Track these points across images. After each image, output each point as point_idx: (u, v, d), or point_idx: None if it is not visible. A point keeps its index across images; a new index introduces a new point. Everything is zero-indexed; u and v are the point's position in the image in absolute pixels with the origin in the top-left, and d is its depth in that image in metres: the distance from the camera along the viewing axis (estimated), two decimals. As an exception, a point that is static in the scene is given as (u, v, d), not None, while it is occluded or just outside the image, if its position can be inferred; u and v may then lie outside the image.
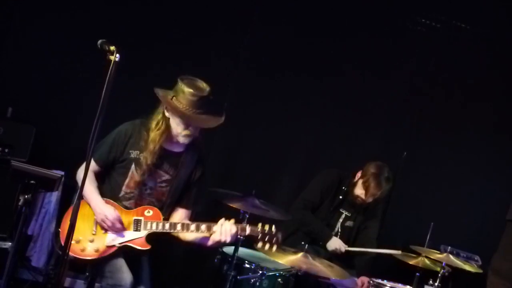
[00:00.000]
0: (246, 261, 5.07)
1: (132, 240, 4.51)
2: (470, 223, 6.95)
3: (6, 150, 5.60)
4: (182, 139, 4.51)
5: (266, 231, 4.42)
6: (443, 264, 5.11)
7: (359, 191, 5.83)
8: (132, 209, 4.57)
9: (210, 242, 4.50)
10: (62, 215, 4.69)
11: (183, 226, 4.49)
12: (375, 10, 6.90)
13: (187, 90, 4.38)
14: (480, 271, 5.48)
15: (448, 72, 7.04)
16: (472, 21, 6.96)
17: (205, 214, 6.53)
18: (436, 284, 5.10)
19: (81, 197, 3.80)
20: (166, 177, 4.61)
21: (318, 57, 6.81)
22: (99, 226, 4.52)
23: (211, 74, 4.73)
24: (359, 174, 5.87)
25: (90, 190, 4.52)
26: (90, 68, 4.96)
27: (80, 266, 4.77)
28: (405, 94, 7.02)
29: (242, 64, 6.64)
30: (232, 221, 4.45)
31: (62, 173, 5.37)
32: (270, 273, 5.03)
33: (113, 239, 4.50)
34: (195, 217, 4.80)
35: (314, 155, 6.80)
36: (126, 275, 4.43)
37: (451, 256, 5.21)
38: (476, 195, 6.99)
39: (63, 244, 4.35)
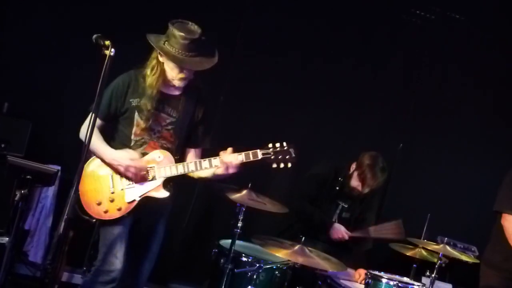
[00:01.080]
0: (243, 254, 5.07)
1: (150, 190, 4.49)
2: (467, 214, 6.97)
3: (3, 145, 5.59)
4: (177, 83, 4.51)
5: (278, 149, 4.42)
6: (440, 255, 5.10)
7: (355, 183, 5.83)
8: (146, 154, 4.53)
9: (219, 176, 4.53)
10: (59, 210, 4.68)
11: (196, 165, 4.48)
12: (371, 1, 6.89)
13: (178, 33, 4.35)
14: (477, 261, 5.49)
15: (443, 64, 7.05)
16: (466, 12, 6.96)
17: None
18: (433, 275, 5.09)
19: (87, 157, 3.78)
20: (170, 119, 4.59)
21: (314, 48, 6.81)
22: (116, 183, 4.50)
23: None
24: (354, 166, 5.88)
25: (100, 145, 4.49)
26: (86, 62, 4.95)
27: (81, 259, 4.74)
28: (400, 86, 7.03)
29: (236, 55, 6.63)
30: (230, 154, 4.44)
31: (59, 168, 5.38)
32: (267, 266, 5.03)
33: (132, 194, 4.47)
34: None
35: (309, 147, 6.79)
36: (119, 261, 4.42)
37: (448, 247, 5.20)
38: (472, 186, 7.00)
39: (85, 208, 4.41)
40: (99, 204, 4.44)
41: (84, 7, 6.23)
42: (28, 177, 4.69)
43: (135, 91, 4.53)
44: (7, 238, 5.50)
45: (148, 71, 4.51)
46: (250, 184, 4.90)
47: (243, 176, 4.55)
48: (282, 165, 4.42)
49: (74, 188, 3.78)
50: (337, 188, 5.92)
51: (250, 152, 4.44)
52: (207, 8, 6.46)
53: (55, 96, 6.23)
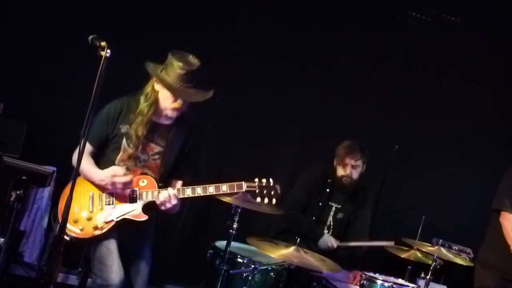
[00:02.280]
0: (239, 256, 5.07)
1: (128, 212, 4.50)
2: (462, 216, 6.98)
3: (-2, 146, 5.59)
4: (170, 113, 4.52)
5: (263, 185, 4.47)
6: (435, 257, 5.11)
7: (340, 172, 5.86)
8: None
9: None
10: (55, 211, 4.67)
11: (179, 192, 4.50)
12: (366, 3, 6.91)
13: (176, 63, 4.40)
14: (472, 264, 5.50)
15: (439, 65, 7.07)
16: (462, 14, 6.98)
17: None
18: (428, 277, 5.10)
19: (75, 178, 3.79)
20: (158, 149, 4.61)
21: (310, 50, 6.82)
22: (95, 202, 4.50)
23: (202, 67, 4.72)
24: (335, 160, 5.91)
25: (87, 167, 4.50)
26: (82, 64, 4.95)
27: (81, 246, 4.75)
28: (396, 88, 7.05)
29: (232, 57, 6.63)
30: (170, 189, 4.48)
31: (54, 168, 5.37)
32: (263, 267, 5.03)
33: (110, 214, 4.48)
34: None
35: (305, 149, 6.82)
36: (115, 275, 4.41)
37: (442, 249, 5.22)
38: (467, 188, 7.02)
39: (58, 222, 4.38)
40: (75, 222, 4.45)
41: (81, 8, 6.23)
42: (24, 178, 4.68)
43: (126, 117, 4.54)
44: (3, 239, 5.49)
45: (142, 98, 4.53)
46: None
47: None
48: (266, 200, 4.47)
49: (70, 189, 3.78)
50: (328, 190, 5.93)
51: (235, 184, 4.47)
52: (202, 14, 6.47)
53: (51, 97, 6.22)
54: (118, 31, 5.96)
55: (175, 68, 4.40)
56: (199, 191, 4.49)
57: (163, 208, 4.50)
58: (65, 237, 4.39)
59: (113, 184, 4.46)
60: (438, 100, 7.10)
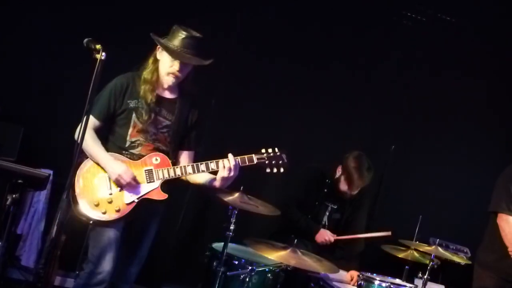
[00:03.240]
0: (236, 257, 5.07)
1: (148, 192, 4.53)
2: (459, 215, 6.99)
3: (-6, 150, 5.59)
4: (166, 79, 4.57)
5: (271, 155, 4.57)
6: (432, 257, 5.12)
7: (344, 187, 5.85)
8: (142, 156, 4.57)
9: (217, 182, 4.60)
10: (52, 214, 4.67)
11: (194, 168, 4.56)
12: (362, 3, 6.91)
13: (179, 31, 4.50)
14: (470, 262, 5.52)
15: (435, 65, 7.07)
16: (458, 14, 6.99)
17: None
18: (425, 276, 5.11)
19: (80, 156, 3.81)
20: (165, 122, 4.64)
21: (306, 49, 6.83)
22: (114, 184, 4.50)
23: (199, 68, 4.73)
24: (340, 169, 5.89)
25: (96, 149, 4.50)
26: (78, 66, 4.94)
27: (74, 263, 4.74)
28: (392, 88, 7.05)
29: (229, 58, 6.61)
30: (230, 158, 4.54)
31: (50, 172, 5.37)
32: (260, 269, 5.03)
33: (131, 195, 4.50)
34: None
35: (301, 149, 6.80)
36: (107, 263, 4.44)
37: (440, 249, 5.23)
38: (464, 187, 7.03)
39: (82, 209, 4.40)
40: (97, 205, 4.44)
41: (76, 11, 6.22)
42: (20, 181, 4.68)
43: (133, 92, 4.57)
44: (-1, 243, 5.51)
45: (145, 66, 4.60)
46: (242, 187, 4.91)
47: (235, 179, 4.57)
48: (275, 170, 4.58)
49: (66, 192, 3.78)
50: (325, 190, 5.94)
51: (246, 156, 4.57)
52: (200, 12, 6.47)
53: (47, 100, 6.22)
54: (113, 32, 5.95)
55: (176, 34, 4.50)
56: (213, 165, 4.55)
57: (224, 176, 4.54)
58: (89, 222, 4.46)
59: (118, 180, 4.46)
60: (435, 100, 7.10)
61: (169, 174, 4.55)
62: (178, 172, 4.57)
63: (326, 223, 6.00)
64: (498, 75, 7.11)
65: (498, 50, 7.07)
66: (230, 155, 4.54)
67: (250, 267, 4.95)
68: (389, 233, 5.63)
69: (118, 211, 4.47)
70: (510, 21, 7.00)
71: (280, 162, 4.57)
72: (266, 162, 4.56)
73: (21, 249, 5.95)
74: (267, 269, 5.10)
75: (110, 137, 4.62)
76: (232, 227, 4.80)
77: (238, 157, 4.55)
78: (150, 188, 4.54)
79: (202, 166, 4.55)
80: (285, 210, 5.75)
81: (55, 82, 6.21)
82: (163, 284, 6.68)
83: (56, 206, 4.40)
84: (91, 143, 4.44)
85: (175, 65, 4.52)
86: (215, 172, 4.60)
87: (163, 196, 4.55)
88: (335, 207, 6.01)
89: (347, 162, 5.84)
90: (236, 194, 4.88)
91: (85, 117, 3.74)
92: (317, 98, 6.90)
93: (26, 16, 6.17)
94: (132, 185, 4.49)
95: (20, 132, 5.81)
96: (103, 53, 3.66)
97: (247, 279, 4.93)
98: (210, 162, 4.55)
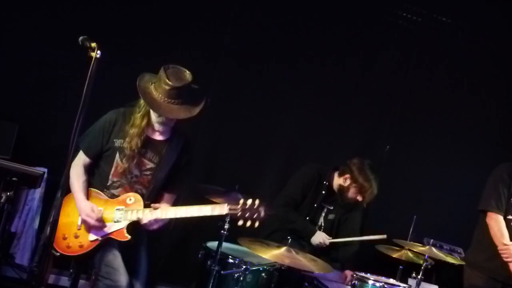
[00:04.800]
0: (230, 256, 5.07)
1: (113, 232, 4.54)
2: (453, 216, 7.00)
3: (-11, 148, 5.58)
4: (157, 126, 4.55)
5: (247, 207, 4.39)
6: (426, 257, 5.14)
7: (353, 195, 5.86)
8: (118, 196, 4.59)
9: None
10: (46, 212, 4.68)
11: (162, 213, 4.51)
12: (356, 3, 6.91)
13: (164, 79, 4.37)
14: (463, 263, 5.52)
15: (430, 65, 7.09)
16: (453, 14, 7.00)
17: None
18: (419, 276, 5.12)
19: (64, 194, 3.80)
20: (150, 165, 4.62)
21: (300, 50, 6.82)
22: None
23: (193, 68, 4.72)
24: (348, 179, 5.86)
25: (76, 187, 4.56)
26: (72, 65, 4.95)
27: (68, 261, 4.78)
28: (387, 88, 7.05)
29: (223, 58, 6.63)
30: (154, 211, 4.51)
31: (45, 170, 5.36)
32: (254, 268, 5.03)
33: (95, 233, 4.54)
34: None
35: (296, 149, 6.82)
36: (123, 277, 4.46)
37: (434, 249, 5.24)
38: (458, 188, 7.03)
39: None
40: (64, 238, 4.53)
41: (72, 9, 6.21)
42: (14, 179, 4.69)
43: (120, 130, 4.55)
44: (-7, 241, 5.50)
45: (136, 109, 4.55)
46: (237, 186, 4.91)
47: (230, 178, 4.57)
48: (249, 223, 4.41)
49: (60, 190, 3.78)
50: (323, 192, 5.94)
51: (217, 206, 4.48)
52: (195, 11, 6.47)
53: (42, 98, 6.20)
54: (109, 31, 5.94)
55: (161, 83, 4.38)
56: (181, 212, 4.51)
57: (148, 228, 4.55)
58: (55, 252, 4.52)
59: (85, 220, 4.50)
60: (429, 100, 7.11)
61: (137, 216, 4.53)
62: (147, 214, 4.51)
63: (323, 224, 6.00)
64: (493, 75, 7.12)
65: (494, 50, 7.08)
66: (153, 211, 4.51)
67: (244, 266, 4.95)
68: (384, 236, 5.62)
69: (81, 246, 4.53)
70: (506, 21, 7.01)
71: (255, 215, 4.38)
72: (239, 214, 4.39)
73: (15, 247, 5.94)
74: (261, 268, 5.10)
75: (95, 172, 4.66)
76: (226, 226, 4.79)
77: (209, 206, 4.48)
78: (116, 228, 4.54)
79: (170, 213, 4.52)
80: (281, 210, 5.76)
81: (50, 80, 6.20)
82: (157, 283, 6.67)
83: (51, 204, 4.43)
84: (73, 182, 4.52)
85: (163, 117, 4.50)
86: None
87: (125, 238, 4.53)
88: (331, 207, 6.02)
89: (359, 174, 5.82)
90: (231, 194, 4.88)
91: (80, 117, 3.74)
92: (312, 98, 6.90)
93: (21, 14, 6.15)
94: (98, 226, 4.51)
95: (15, 129, 5.80)
96: (99, 51, 3.64)
97: (241, 278, 4.93)
98: (180, 208, 4.52)
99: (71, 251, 4.53)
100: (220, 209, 4.45)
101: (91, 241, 4.53)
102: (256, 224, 4.43)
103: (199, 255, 5.22)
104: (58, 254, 4.55)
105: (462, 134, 7.14)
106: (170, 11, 6.43)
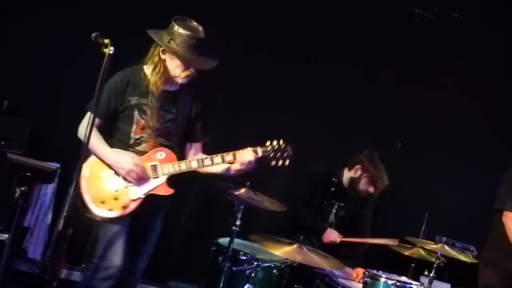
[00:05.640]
0: (241, 252, 5.08)
1: (154, 188, 4.51)
2: (465, 213, 6.98)
3: (2, 143, 5.59)
4: (181, 80, 4.51)
5: (276, 147, 4.52)
6: (438, 255, 5.12)
7: (364, 187, 5.85)
8: (146, 152, 4.54)
9: (232, 172, 4.58)
10: (58, 207, 4.67)
11: (199, 163, 4.52)
12: (369, 0, 6.90)
13: (184, 32, 4.38)
14: (476, 261, 5.49)
15: (441, 62, 7.05)
16: (465, 11, 6.97)
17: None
18: (431, 274, 5.11)
19: (77, 188, 3.81)
20: (169, 116, 4.59)
21: (312, 46, 6.83)
22: (119, 181, 4.48)
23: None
24: (358, 170, 5.87)
25: (100, 146, 4.48)
26: (85, 60, 4.96)
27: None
28: (399, 85, 7.03)
29: (234, 55, 6.62)
30: (247, 149, 4.53)
31: (58, 165, 5.39)
32: (265, 264, 5.04)
33: (136, 191, 4.48)
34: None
35: (307, 146, 6.79)
36: (118, 258, 4.44)
37: (446, 247, 5.22)
38: (471, 185, 7.02)
39: (88, 206, 4.40)
40: (103, 202, 4.44)
41: (83, 4, 6.24)
42: (28, 174, 4.70)
43: (134, 89, 4.51)
44: (7, 235, 5.52)
45: (151, 69, 4.50)
46: (248, 183, 4.91)
47: (241, 174, 4.57)
48: (280, 162, 4.51)
49: (73, 185, 3.79)
50: (333, 189, 5.93)
51: (251, 149, 4.51)
52: (204, 7, 6.46)
53: (54, 93, 6.24)
54: (117, 27, 5.94)
55: (183, 37, 4.38)
56: (217, 160, 4.52)
57: (238, 168, 4.53)
58: (95, 218, 4.44)
59: (129, 172, 4.43)
60: (442, 97, 7.08)
61: (174, 169, 4.52)
62: (183, 166, 4.53)
63: (333, 221, 6.00)
64: (507, 72, 7.08)
65: (507, 46, 7.04)
66: (249, 149, 4.52)
67: (255, 263, 4.95)
68: (396, 241, 5.60)
69: (124, 207, 4.46)
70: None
71: (285, 154, 4.51)
72: (271, 155, 4.51)
73: (28, 241, 5.98)
74: (272, 265, 5.11)
75: (114, 134, 4.59)
76: (238, 223, 4.81)
77: (241, 151, 4.52)
78: (156, 184, 4.51)
79: (207, 161, 4.52)
80: (291, 208, 5.75)
81: (62, 75, 6.23)
82: (169, 279, 6.70)
83: (63, 199, 4.44)
84: (94, 141, 4.36)
85: (191, 70, 4.47)
86: None
87: (169, 191, 4.53)
88: (342, 204, 6.01)
89: (370, 164, 5.83)
90: (243, 190, 4.89)
91: (91, 114, 3.75)
92: (324, 95, 6.90)
93: (34, 10, 6.18)
94: (140, 180, 4.47)
95: (28, 125, 5.83)
96: (112, 48, 3.66)
97: (253, 275, 4.94)
98: (215, 156, 4.52)
99: (114, 213, 4.44)
100: (254, 152, 4.50)
101: (133, 199, 4.47)
102: (287, 162, 4.52)
103: (211, 252, 5.24)
104: (99, 218, 4.44)
105: (475, 132, 7.11)
106: (180, 7, 6.42)
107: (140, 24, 6.18)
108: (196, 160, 4.55)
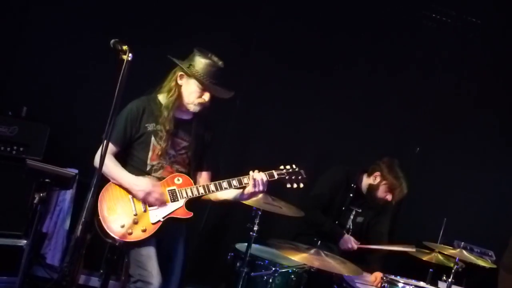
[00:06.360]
0: (259, 258, 5.09)
1: (174, 211, 4.52)
2: (484, 218, 6.93)
3: (21, 149, 5.64)
4: (193, 108, 4.58)
5: (290, 171, 4.56)
6: (456, 260, 5.10)
7: (383, 194, 5.85)
8: (163, 178, 4.58)
9: (245, 196, 4.58)
10: (77, 213, 4.69)
11: (216, 186, 4.54)
12: (386, 5, 6.89)
13: (205, 60, 4.52)
14: (494, 266, 5.47)
15: (460, 67, 7.02)
16: (482, 15, 6.93)
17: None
18: (449, 280, 5.09)
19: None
20: (183, 144, 4.65)
21: (331, 51, 6.81)
22: (137, 205, 4.50)
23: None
24: (378, 177, 5.87)
25: (118, 171, 4.51)
26: (103, 66, 4.98)
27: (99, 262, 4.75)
28: (417, 89, 7.01)
29: (252, 59, 6.63)
30: (259, 172, 4.53)
31: (76, 171, 5.40)
32: (283, 270, 5.04)
33: (156, 215, 4.49)
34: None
35: (326, 150, 6.81)
36: (155, 279, 4.42)
37: (464, 252, 5.20)
38: (489, 190, 6.97)
39: (108, 231, 4.40)
40: (122, 226, 4.44)
41: (101, 11, 6.27)
42: (47, 180, 4.70)
43: (150, 115, 4.58)
44: (25, 241, 5.56)
45: (165, 94, 4.59)
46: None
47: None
48: (295, 185, 4.56)
49: (91, 191, 3.81)
50: (351, 194, 5.92)
51: (267, 172, 4.53)
52: (221, 13, 6.49)
53: (73, 99, 6.27)
54: (137, 33, 5.97)
55: (203, 64, 4.51)
56: (234, 183, 4.53)
57: (251, 192, 4.52)
58: (113, 242, 4.46)
59: (148, 194, 4.46)
60: (459, 102, 7.05)
61: (192, 193, 4.55)
62: (201, 190, 4.55)
63: (351, 227, 5.99)
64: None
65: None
66: (258, 173, 4.53)
67: (273, 268, 4.96)
68: (413, 248, 5.58)
69: (144, 231, 4.46)
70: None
71: (300, 177, 4.56)
72: (286, 177, 4.54)
73: (46, 247, 6.00)
74: (290, 270, 5.11)
75: (129, 161, 4.63)
76: (255, 228, 4.82)
77: (261, 173, 4.54)
78: (175, 207, 4.53)
79: (225, 184, 4.53)
80: (309, 213, 5.75)
81: (81, 81, 6.26)
82: (186, 284, 6.69)
83: (81, 205, 4.46)
84: (112, 166, 4.44)
85: (206, 96, 4.55)
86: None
87: (188, 214, 4.54)
88: (359, 210, 6.00)
89: (389, 172, 5.85)
90: (260, 195, 4.89)
91: (112, 119, 3.76)
92: (342, 100, 6.89)
93: (51, 18, 6.21)
94: (160, 202, 4.50)
95: (46, 131, 5.85)
96: (130, 54, 3.68)
97: (270, 280, 4.95)
98: (232, 180, 4.53)
99: (133, 237, 4.44)
100: (269, 175, 4.53)
101: (153, 223, 4.47)
102: (301, 185, 4.56)
103: (228, 257, 5.25)
104: (118, 243, 4.46)
105: (494, 136, 7.06)
106: (198, 11, 6.46)
107: (157, 31, 6.31)
108: (214, 184, 4.56)
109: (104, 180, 4.46)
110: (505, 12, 6.88)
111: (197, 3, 6.51)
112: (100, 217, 4.42)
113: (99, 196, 4.45)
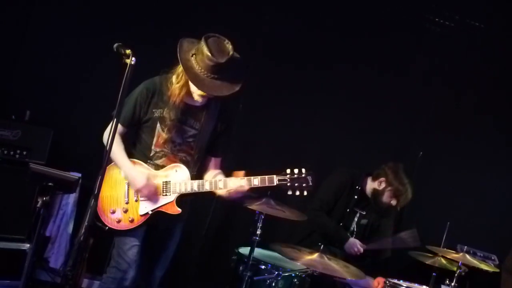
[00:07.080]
0: (262, 262, 5.08)
1: (163, 205, 4.52)
2: (487, 222, 6.91)
3: (25, 153, 5.65)
4: (196, 97, 4.45)
5: (295, 176, 4.40)
6: (459, 264, 5.10)
7: (388, 199, 5.86)
8: (164, 166, 4.55)
9: (225, 195, 4.53)
10: (80, 217, 4.70)
11: (211, 185, 4.48)
12: (390, 9, 6.88)
13: (206, 53, 4.22)
14: (497, 270, 5.47)
15: (463, 71, 7.01)
16: (486, 20, 6.93)
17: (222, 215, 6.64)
18: (452, 284, 5.09)
19: (97, 199, 3.83)
20: (192, 132, 4.57)
21: (334, 54, 6.80)
22: (131, 193, 4.52)
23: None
24: (383, 183, 5.87)
25: (120, 156, 4.51)
26: (107, 70, 4.99)
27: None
28: (420, 93, 7.00)
29: (255, 60, 6.62)
30: (241, 178, 4.45)
31: (79, 175, 5.41)
32: (286, 274, 5.03)
33: (145, 207, 4.51)
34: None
35: (329, 154, 6.80)
36: (131, 269, 4.48)
37: (467, 256, 5.19)
38: (492, 194, 6.95)
39: (99, 214, 4.44)
40: (112, 212, 4.49)
41: (105, 14, 6.28)
42: (50, 184, 4.71)
43: (158, 100, 4.50)
44: (29, 245, 5.57)
45: (173, 79, 4.47)
46: (269, 192, 4.91)
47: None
48: (297, 193, 4.42)
49: (94, 195, 3.82)
50: (356, 196, 5.92)
51: (266, 177, 4.45)
52: (224, 16, 6.49)
53: (76, 103, 6.27)
54: (142, 36, 5.98)
55: (204, 57, 4.24)
56: (231, 184, 4.46)
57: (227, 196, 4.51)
58: (103, 226, 4.48)
59: (140, 188, 4.46)
60: (463, 106, 7.04)
61: (185, 188, 4.50)
62: (194, 187, 4.50)
63: (355, 229, 5.99)
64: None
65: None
66: (240, 173, 4.46)
67: (276, 272, 4.95)
68: (414, 231, 5.60)
69: (131, 221, 4.50)
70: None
71: (304, 184, 4.40)
72: (288, 184, 4.39)
73: (50, 251, 6.01)
74: (293, 274, 5.10)
75: (137, 144, 4.62)
76: (258, 232, 4.81)
77: (258, 177, 4.44)
78: (165, 201, 4.52)
79: (220, 184, 4.48)
80: (314, 215, 5.75)
81: (84, 85, 6.27)
82: (189, 287, 6.70)
83: (84, 209, 4.47)
84: (115, 149, 4.36)
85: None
86: None
87: (176, 211, 4.51)
88: (364, 212, 6.00)
89: (395, 178, 5.86)
90: (263, 199, 4.89)
91: (114, 122, 3.76)
92: (345, 103, 6.88)
93: (55, 21, 6.23)
94: (153, 196, 4.50)
95: (49, 135, 5.86)
96: (133, 58, 3.68)
97: (273, 284, 4.94)
98: (229, 180, 4.48)
99: (121, 226, 4.48)
100: (269, 180, 4.42)
101: (142, 215, 4.49)
102: (305, 193, 4.42)
103: (231, 261, 5.24)
104: (107, 228, 4.49)
105: (496, 140, 7.05)
106: (201, 16, 6.46)
107: (164, 31, 6.31)
108: (209, 182, 4.51)
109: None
110: (508, 16, 6.86)
111: (198, 4, 6.50)
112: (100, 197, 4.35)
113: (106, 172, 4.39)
